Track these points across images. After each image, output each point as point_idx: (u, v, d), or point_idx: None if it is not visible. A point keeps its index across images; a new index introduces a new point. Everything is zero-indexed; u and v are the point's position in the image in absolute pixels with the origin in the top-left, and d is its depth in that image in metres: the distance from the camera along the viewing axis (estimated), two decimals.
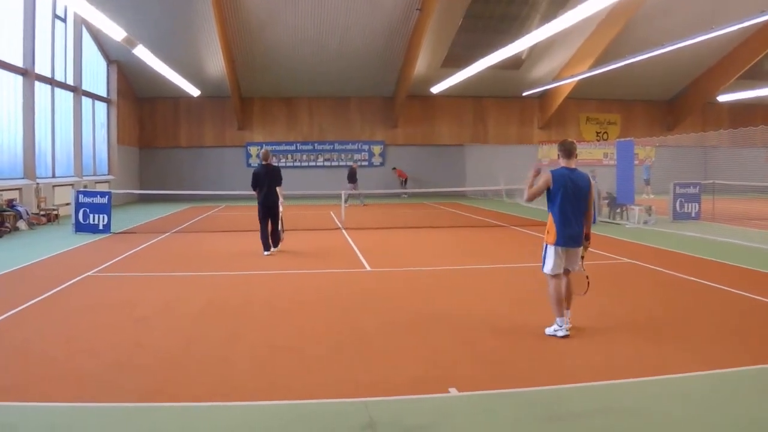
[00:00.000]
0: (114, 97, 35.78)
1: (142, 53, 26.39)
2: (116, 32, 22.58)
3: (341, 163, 41.13)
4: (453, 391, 6.36)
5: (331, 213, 24.07)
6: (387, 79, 38.73)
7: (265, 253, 15.80)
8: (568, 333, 8.28)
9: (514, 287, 12.08)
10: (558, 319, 8.38)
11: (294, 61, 35.72)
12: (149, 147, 40.17)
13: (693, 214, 24.21)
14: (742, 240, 17.95)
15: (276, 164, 16.81)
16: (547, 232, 8.53)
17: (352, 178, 33.23)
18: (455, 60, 35.35)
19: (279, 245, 16.26)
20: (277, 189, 15.82)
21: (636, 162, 43.92)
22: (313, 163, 41.30)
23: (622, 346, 8.01)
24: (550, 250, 8.49)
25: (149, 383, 6.69)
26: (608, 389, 6.52)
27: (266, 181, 15.71)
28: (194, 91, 36.50)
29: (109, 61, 35.32)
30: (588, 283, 8.65)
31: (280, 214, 16.06)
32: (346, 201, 33.13)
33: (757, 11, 19.44)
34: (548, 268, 8.53)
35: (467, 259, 15.52)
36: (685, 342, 8.17)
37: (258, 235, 16.24)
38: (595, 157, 42.56)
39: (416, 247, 17.80)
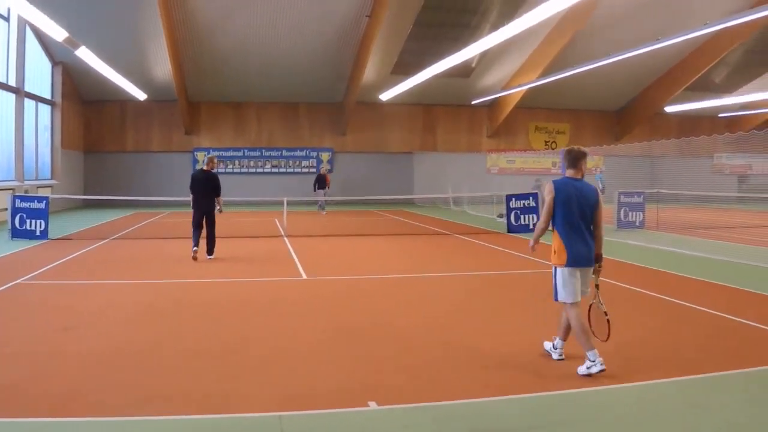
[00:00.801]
0: (59, 99, 35.06)
1: (86, 55, 25.96)
2: (57, 33, 22.17)
3: (289, 170, 40.94)
4: (372, 405, 6.22)
5: (276, 220, 23.93)
6: (336, 86, 38.57)
7: (194, 248, 15.60)
8: (603, 367, 7.02)
9: (449, 296, 11.99)
10: (589, 353, 7.13)
11: (242, 65, 35.44)
12: (95, 151, 39.44)
13: (637, 223, 24.44)
14: (683, 249, 18.16)
15: (216, 171, 16.33)
16: (554, 252, 7.47)
17: (321, 184, 32.55)
18: (405, 67, 35.32)
19: (213, 253, 15.98)
20: (218, 199, 15.89)
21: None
22: (260, 170, 40.92)
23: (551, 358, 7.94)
24: (562, 273, 7.41)
25: (62, 393, 6.49)
26: (535, 401, 6.44)
27: (201, 186, 15.67)
28: (141, 95, 35.99)
29: (54, 63, 34.64)
30: (609, 324, 7.44)
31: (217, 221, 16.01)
32: (323, 209, 32.69)
33: (700, 24, 19.67)
34: (565, 295, 7.43)
35: (405, 267, 15.50)
36: (615, 351, 8.12)
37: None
38: (544, 166, 42.93)
39: (356, 255, 17.79)
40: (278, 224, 23.92)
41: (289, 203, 22.82)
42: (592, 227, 7.45)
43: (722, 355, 8.02)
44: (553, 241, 7.48)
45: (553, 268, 7.52)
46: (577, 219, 7.33)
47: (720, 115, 45.66)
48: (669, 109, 42.09)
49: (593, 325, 7.61)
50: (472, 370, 7.46)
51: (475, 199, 33.92)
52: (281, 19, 31.27)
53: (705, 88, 41.22)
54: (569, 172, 7.53)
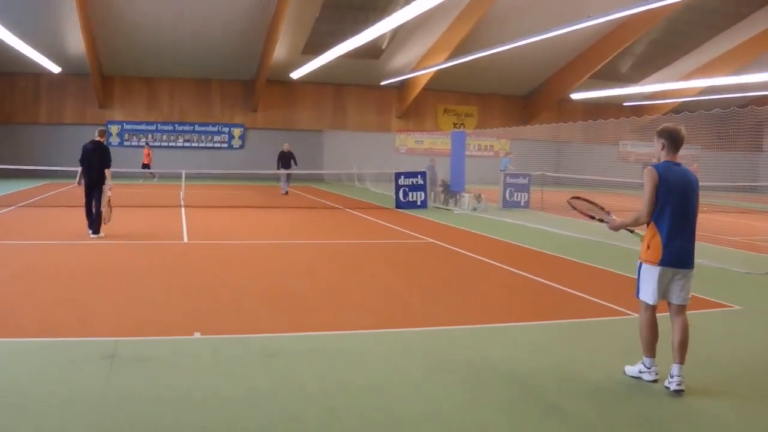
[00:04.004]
0: None
1: None
2: None
3: (201, 145, 42.10)
4: (197, 335, 7.68)
5: (180, 192, 24.94)
6: (247, 63, 39.50)
7: (90, 233, 15.19)
8: (657, 377, 6.54)
9: (306, 260, 13.37)
10: (646, 359, 6.62)
11: (154, 40, 36.04)
12: (8, 123, 39.72)
13: (522, 203, 25.97)
14: (553, 227, 19.64)
15: (106, 144, 15.81)
16: (647, 247, 6.55)
17: (285, 162, 30.28)
18: (315, 47, 36.12)
19: (100, 231, 15.18)
20: (106, 171, 15.21)
21: (492, 154, 46.29)
22: (173, 144, 41.85)
23: (366, 304, 9.66)
24: (649, 271, 6.52)
25: None
26: (326, 337, 7.90)
27: (91, 157, 15.23)
28: (55, 68, 36.36)
29: None
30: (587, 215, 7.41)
31: (106, 196, 15.26)
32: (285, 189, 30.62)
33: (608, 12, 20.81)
34: (646, 294, 6.57)
35: (282, 235, 17.01)
36: (425, 303, 9.84)
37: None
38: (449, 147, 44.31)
39: (243, 224, 19.08)
40: (181, 195, 24.93)
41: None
42: (693, 220, 6.61)
43: (523, 310, 9.86)
44: (648, 234, 6.57)
45: (638, 263, 6.68)
46: (680, 211, 6.45)
47: (625, 104, 47.61)
48: (575, 96, 43.85)
49: (584, 205, 7.42)
50: (296, 312, 9.04)
51: (378, 177, 35.18)
52: None
53: (611, 76, 43.13)
54: (667, 156, 6.62)
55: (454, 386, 6.37)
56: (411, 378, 6.55)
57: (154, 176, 37.66)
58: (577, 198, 7.52)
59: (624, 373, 6.70)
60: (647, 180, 6.43)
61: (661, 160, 6.61)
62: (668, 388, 6.30)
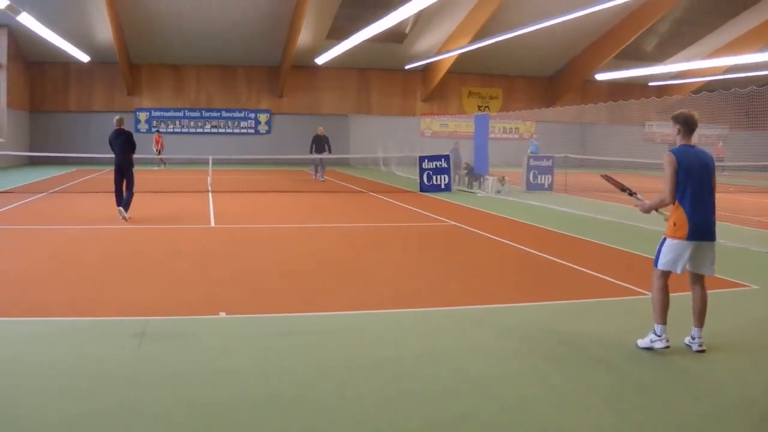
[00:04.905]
0: (4, 61, 35.86)
1: (27, 20, 26.83)
2: None
3: (228, 131, 42.65)
4: (222, 314, 8.00)
5: (207, 178, 25.31)
6: (272, 49, 39.74)
7: (119, 207, 15.83)
8: (668, 344, 6.89)
9: (330, 244, 13.73)
10: (657, 327, 6.97)
11: (180, 28, 36.52)
12: (40, 111, 40.40)
13: (546, 186, 26.03)
14: (577, 209, 19.74)
15: (128, 129, 16.92)
16: (673, 224, 6.95)
17: (320, 146, 29.10)
18: (339, 32, 36.31)
19: (128, 211, 15.82)
20: (132, 156, 16.30)
21: (517, 137, 46.26)
22: (200, 130, 42.44)
23: (388, 286, 9.96)
24: (675, 246, 6.93)
25: None
26: (347, 317, 8.20)
27: (117, 144, 16.15)
28: (84, 57, 36.85)
29: None
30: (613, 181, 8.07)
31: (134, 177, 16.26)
32: (320, 175, 29.67)
33: None
34: (664, 262, 7.01)
35: (307, 219, 17.19)
36: (445, 285, 10.13)
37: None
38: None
39: (269, 209, 19.51)
40: (209, 180, 25.29)
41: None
42: (711, 196, 7.04)
43: (543, 291, 10.14)
44: (674, 213, 6.98)
45: (663, 238, 7.09)
46: (698, 189, 6.89)
47: (650, 83, 47.27)
48: (600, 76, 43.46)
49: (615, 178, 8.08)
50: (309, 292, 9.36)
51: (403, 161, 35.32)
52: None
53: (635, 56, 42.75)
54: (683, 140, 7.07)
55: (468, 362, 6.62)
56: (423, 354, 6.81)
57: (164, 163, 37.71)
58: (609, 176, 8.09)
59: (637, 346, 7.02)
60: (667, 164, 6.91)
61: (678, 144, 7.06)
62: (690, 347, 6.96)
